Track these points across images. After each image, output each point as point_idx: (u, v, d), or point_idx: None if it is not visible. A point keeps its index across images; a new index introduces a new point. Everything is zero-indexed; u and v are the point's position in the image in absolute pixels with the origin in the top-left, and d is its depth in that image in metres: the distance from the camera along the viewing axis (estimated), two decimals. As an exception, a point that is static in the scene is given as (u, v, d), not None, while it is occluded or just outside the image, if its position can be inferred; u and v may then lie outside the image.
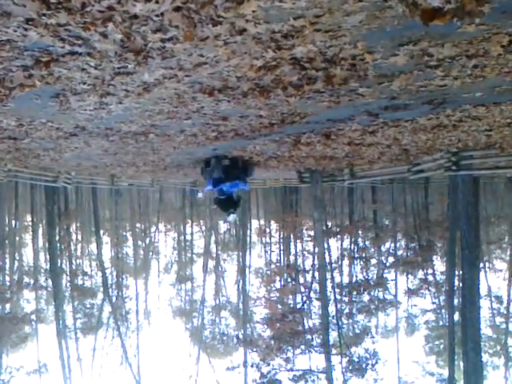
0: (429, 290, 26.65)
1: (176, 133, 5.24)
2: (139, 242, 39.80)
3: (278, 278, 26.83)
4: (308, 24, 2.18)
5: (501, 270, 30.30)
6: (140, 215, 40.89)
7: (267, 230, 37.38)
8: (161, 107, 3.88)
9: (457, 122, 4.89)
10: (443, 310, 24.61)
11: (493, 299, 27.15)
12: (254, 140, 5.74)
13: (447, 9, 1.90)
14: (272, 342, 19.92)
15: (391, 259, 29.25)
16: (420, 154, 8.40)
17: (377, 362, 19.26)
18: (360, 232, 30.46)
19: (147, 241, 41.25)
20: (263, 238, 37.32)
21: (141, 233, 41.06)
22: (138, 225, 40.37)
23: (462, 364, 14.27)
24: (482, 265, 25.87)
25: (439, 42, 2.57)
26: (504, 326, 25.24)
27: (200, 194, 20.77)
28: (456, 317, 16.66)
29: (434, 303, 27.20)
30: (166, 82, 3.11)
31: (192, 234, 40.75)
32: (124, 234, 38.08)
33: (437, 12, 1.88)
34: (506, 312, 25.97)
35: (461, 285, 14.73)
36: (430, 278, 27.36)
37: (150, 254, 41.00)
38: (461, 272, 14.23)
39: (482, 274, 25.25)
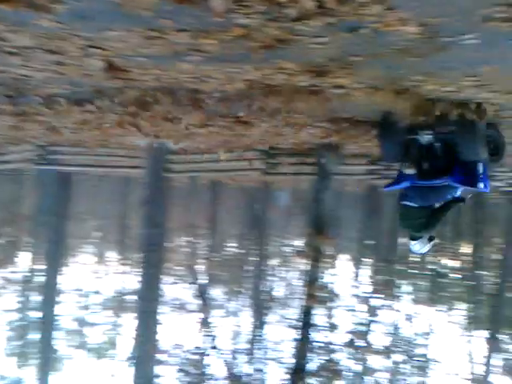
0: (9, 289, 25.43)
1: None
2: None
3: None
4: None
5: (86, 264, 31.83)
6: None
7: None
8: None
9: (41, 117, 4.84)
10: (25, 309, 23.99)
11: (78, 292, 28.13)
12: None
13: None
14: None
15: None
16: (6, 144, 7.99)
17: None
18: None
19: None
20: None
21: None
22: None
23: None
24: (69, 259, 26.57)
25: (15, 29, 2.46)
26: (86, 318, 26.53)
27: None
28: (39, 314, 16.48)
29: (19, 302, 26.14)
30: None
31: None
32: None
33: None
34: (87, 304, 27.43)
35: (44, 281, 14.70)
36: (14, 276, 26.16)
37: None
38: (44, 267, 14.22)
39: (69, 268, 25.89)
